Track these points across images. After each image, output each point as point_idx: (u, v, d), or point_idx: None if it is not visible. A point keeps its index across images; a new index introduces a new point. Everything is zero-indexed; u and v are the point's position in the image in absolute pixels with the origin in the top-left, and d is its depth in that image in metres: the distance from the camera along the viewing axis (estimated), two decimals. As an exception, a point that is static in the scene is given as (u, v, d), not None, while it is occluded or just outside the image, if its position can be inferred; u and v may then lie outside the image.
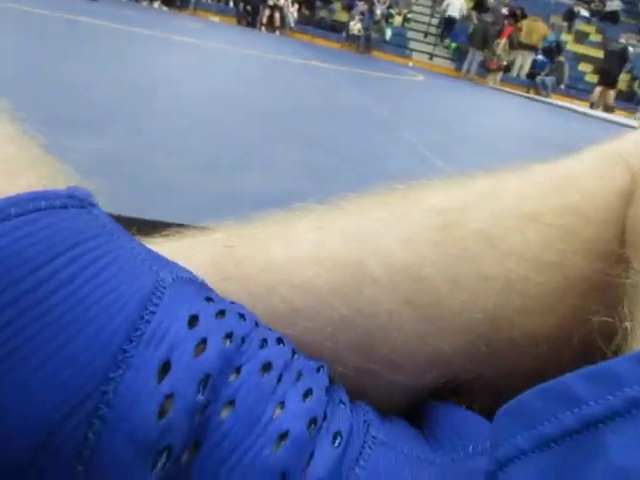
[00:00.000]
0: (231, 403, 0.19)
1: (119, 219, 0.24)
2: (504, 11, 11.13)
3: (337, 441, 0.21)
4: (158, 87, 2.23)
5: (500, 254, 0.25)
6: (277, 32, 11.52)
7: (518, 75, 11.24)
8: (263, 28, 11.52)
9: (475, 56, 10.90)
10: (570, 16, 12.43)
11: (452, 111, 4.63)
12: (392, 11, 12.32)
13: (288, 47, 7.65)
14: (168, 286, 0.21)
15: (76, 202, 0.21)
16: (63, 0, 5.46)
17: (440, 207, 0.26)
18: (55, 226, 0.19)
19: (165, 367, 0.19)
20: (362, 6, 11.72)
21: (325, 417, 0.21)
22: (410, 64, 11.59)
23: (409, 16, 12.72)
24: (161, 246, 0.26)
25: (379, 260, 0.25)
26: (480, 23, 10.81)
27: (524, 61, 11.09)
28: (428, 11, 12.89)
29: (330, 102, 3.11)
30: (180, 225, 0.30)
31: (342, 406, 0.23)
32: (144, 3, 10.75)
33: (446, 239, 0.25)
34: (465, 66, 11.09)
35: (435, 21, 12.70)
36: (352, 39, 11.88)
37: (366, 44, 11.72)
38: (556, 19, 12.32)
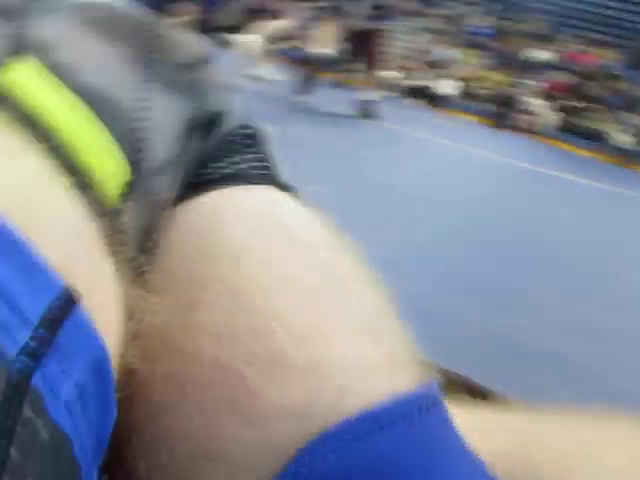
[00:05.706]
0: None
1: None
2: None
3: None
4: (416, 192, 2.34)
5: None
6: (532, 136, 11.32)
7: None
8: (522, 133, 11.46)
9: None
10: None
11: None
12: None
13: (544, 155, 7.41)
14: None
15: (434, 400, 0.21)
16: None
17: None
18: (423, 435, 0.19)
19: None
20: (638, 119, 10.79)
21: None
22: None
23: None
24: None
25: None
26: None
27: None
28: None
29: (595, 234, 2.85)
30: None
31: None
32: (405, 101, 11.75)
33: None
34: None
35: None
36: (615, 150, 10.97)
37: (634, 158, 10.68)
38: None
